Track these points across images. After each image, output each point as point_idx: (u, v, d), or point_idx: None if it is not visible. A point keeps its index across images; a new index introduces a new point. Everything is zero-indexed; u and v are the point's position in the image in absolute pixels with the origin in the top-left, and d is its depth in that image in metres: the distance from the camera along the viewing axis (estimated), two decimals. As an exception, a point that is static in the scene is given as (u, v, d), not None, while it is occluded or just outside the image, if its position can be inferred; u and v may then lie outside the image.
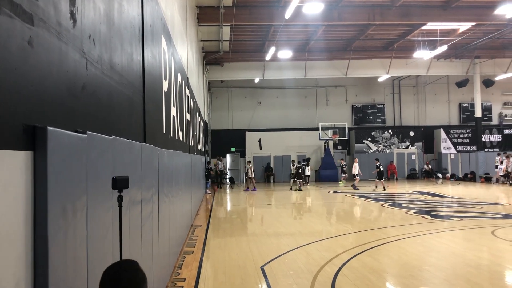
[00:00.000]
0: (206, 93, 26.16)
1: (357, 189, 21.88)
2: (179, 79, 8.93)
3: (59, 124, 2.25)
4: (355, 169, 23.27)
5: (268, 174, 29.90)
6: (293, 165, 24.47)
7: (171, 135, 7.28)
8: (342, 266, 7.05)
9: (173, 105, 7.66)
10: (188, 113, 11.27)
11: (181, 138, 9.00)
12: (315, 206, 17.18)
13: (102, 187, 2.84)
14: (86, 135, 2.62)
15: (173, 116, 7.54)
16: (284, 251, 8.32)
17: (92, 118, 3.03)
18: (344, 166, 27.27)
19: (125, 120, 4.07)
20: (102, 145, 3.02)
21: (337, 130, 28.97)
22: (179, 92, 8.76)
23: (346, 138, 29.42)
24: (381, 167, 22.22)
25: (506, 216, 12.56)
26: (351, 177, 26.49)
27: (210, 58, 23.52)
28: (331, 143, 29.92)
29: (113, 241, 3.06)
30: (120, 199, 2.54)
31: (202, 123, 19.64)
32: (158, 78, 6.11)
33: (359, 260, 7.55)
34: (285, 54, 22.77)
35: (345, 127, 29.13)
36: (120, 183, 2.53)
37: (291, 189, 23.12)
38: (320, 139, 29.11)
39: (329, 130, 29.10)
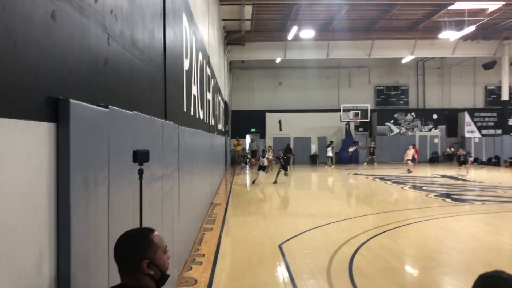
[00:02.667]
0: (227, 73, 26.13)
1: (411, 172, 21.37)
2: (200, 58, 8.94)
3: (82, 98, 2.29)
4: (408, 156, 22.32)
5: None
6: (330, 146, 26.95)
7: (192, 114, 7.33)
8: (360, 246, 7.07)
9: (194, 84, 7.69)
10: (209, 92, 11.31)
11: (201, 117, 9.06)
12: (334, 188, 17.17)
13: (124, 160, 2.90)
14: (108, 109, 2.67)
15: (193, 95, 7.57)
16: (302, 230, 8.37)
17: (114, 94, 3.07)
18: (372, 149, 27.37)
19: (146, 97, 4.12)
20: (123, 120, 3.07)
21: (359, 111, 28.62)
22: (200, 71, 8.78)
23: (368, 120, 29.09)
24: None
25: (529, 201, 12.33)
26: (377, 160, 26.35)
27: (231, 37, 23.41)
28: (352, 125, 29.65)
29: (134, 214, 3.13)
30: (140, 172, 2.59)
31: (222, 103, 19.68)
32: (179, 56, 6.13)
33: (377, 241, 7.55)
34: (308, 33, 22.47)
35: (367, 109, 28.76)
36: (140, 156, 2.58)
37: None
38: (341, 121, 28.85)
39: (351, 111, 28.78)
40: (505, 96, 27.52)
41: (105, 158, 2.62)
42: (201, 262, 6.15)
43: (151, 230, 1.95)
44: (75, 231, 2.13)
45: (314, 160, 29.61)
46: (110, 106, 2.70)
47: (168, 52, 5.07)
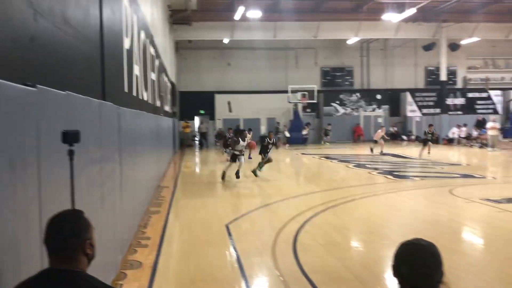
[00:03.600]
0: (174, 53, 25.62)
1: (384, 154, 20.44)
2: (142, 37, 8.70)
3: (4, 76, 2.17)
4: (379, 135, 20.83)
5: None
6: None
7: (134, 95, 7.15)
8: (305, 223, 7.24)
9: (136, 64, 7.49)
10: (154, 72, 11.06)
11: (145, 98, 8.86)
12: (282, 168, 17.42)
13: (57, 142, 2.79)
14: (36, 89, 2.55)
15: (136, 75, 7.38)
16: (249, 210, 8.46)
17: (44, 72, 2.94)
18: (327, 131, 28.24)
19: (81, 76, 3.97)
20: (55, 100, 2.94)
21: (306, 93, 29.03)
22: (142, 51, 8.55)
23: (315, 101, 29.57)
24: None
25: (464, 176, 13.06)
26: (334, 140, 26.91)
27: (177, 17, 22.89)
28: (300, 106, 30.05)
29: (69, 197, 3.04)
30: (71, 153, 2.51)
31: (169, 84, 19.32)
32: (118, 35, 5.93)
33: (322, 217, 7.77)
34: (255, 14, 22.38)
35: (314, 90, 29.21)
36: (70, 137, 2.49)
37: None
38: (289, 102, 29.17)
39: (298, 93, 29.12)
40: (443, 77, 28.79)
41: (33, 140, 2.51)
42: (147, 245, 6.09)
43: (80, 211, 1.89)
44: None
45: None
46: (38, 86, 2.58)
47: (106, 30, 4.88)
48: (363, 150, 23.14)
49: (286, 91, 28.99)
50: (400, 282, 1.77)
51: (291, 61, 31.06)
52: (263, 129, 30.37)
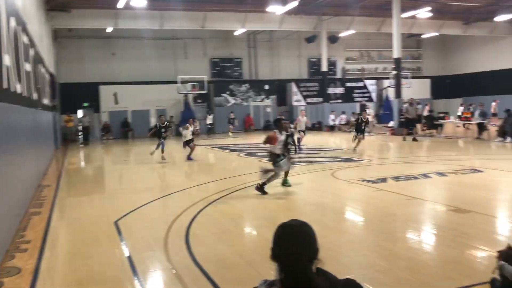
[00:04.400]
0: (52, 42, 23.78)
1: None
2: (12, 24, 7.93)
3: None
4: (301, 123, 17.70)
5: (126, 130, 28.86)
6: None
7: (5, 87, 6.51)
8: (198, 213, 7.25)
9: (6, 53, 6.81)
10: (28, 63, 10.17)
11: (19, 91, 8.12)
12: (175, 160, 17.20)
13: None
14: None
15: (6, 65, 6.72)
16: (140, 205, 8.22)
17: None
18: (232, 120, 27.86)
19: None
20: None
21: (197, 83, 28.90)
22: (13, 39, 7.80)
23: (206, 92, 29.57)
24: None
25: (344, 160, 14.06)
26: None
27: (54, 3, 21.26)
28: (190, 97, 29.85)
29: None
30: None
31: (47, 76, 17.93)
32: (-18, 21, 5.34)
33: (214, 207, 7.84)
34: (139, 2, 21.58)
35: (204, 81, 29.19)
36: None
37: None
38: (179, 93, 28.80)
39: (188, 83, 28.88)
40: (324, 68, 30.62)
41: None
42: (26, 249, 5.63)
43: None
44: None
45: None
46: None
47: (-35, 15, 4.36)
48: (254, 139, 23.72)
49: (175, 82, 28.58)
50: (276, 264, 1.82)
51: (180, 51, 30.64)
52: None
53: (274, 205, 8.17)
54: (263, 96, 32.05)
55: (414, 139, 19.28)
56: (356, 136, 15.92)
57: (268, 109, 31.82)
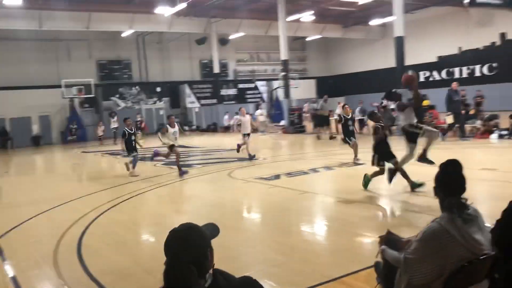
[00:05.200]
0: None
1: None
2: None
3: None
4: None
5: (3, 139, 26.34)
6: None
7: None
8: (90, 224, 6.90)
9: None
10: None
11: None
12: (62, 169, 16.15)
13: None
14: None
15: None
16: (24, 219, 7.59)
17: None
18: (140, 122, 25.48)
19: None
20: None
21: (83, 87, 27.35)
22: None
23: (93, 95, 28.13)
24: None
25: (240, 159, 14.31)
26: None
27: None
28: (77, 101, 28.17)
29: None
30: None
31: None
32: None
33: (107, 216, 7.52)
34: (14, 0, 19.84)
35: (91, 84, 27.74)
36: None
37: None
38: (63, 97, 27.02)
39: (74, 87, 27.21)
40: (216, 69, 30.91)
41: None
42: None
43: None
44: None
45: (37, 142, 27.03)
46: None
47: None
48: (149, 143, 23.09)
49: (59, 86, 26.77)
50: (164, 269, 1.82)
51: (63, 54, 28.77)
52: (36, 128, 27.54)
53: (171, 209, 8.08)
54: (155, 99, 31.39)
55: (332, 137, 16.71)
56: (347, 141, 11.76)
57: (161, 112, 31.23)
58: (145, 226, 7.25)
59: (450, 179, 2.66)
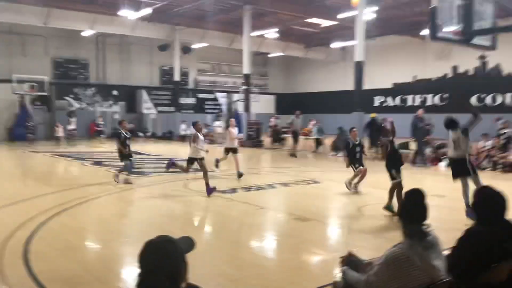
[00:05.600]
0: None
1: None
2: None
3: None
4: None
5: None
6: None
7: None
8: (37, 229, 6.60)
9: None
10: None
11: None
12: (7, 169, 15.39)
13: None
14: None
15: None
16: (-36, 220, 7.17)
17: None
18: (101, 125, 23.88)
19: None
20: None
21: (35, 84, 26.31)
22: None
23: (46, 94, 27.11)
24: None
25: (196, 170, 14.13)
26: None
27: None
28: (28, 98, 27.03)
29: None
30: None
31: None
32: None
33: (57, 221, 7.23)
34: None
35: (45, 82, 26.74)
36: None
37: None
38: (13, 93, 25.86)
39: (26, 83, 26.13)
40: (176, 77, 30.64)
41: None
42: None
43: None
44: None
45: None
46: None
47: None
48: (100, 147, 22.50)
49: (10, 81, 25.64)
50: (137, 281, 1.80)
51: (17, 48, 27.61)
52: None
53: (123, 217, 7.87)
54: (111, 102, 30.68)
55: (293, 154, 18.23)
56: (354, 168, 10.11)
57: (116, 116, 30.46)
58: (96, 232, 7.02)
59: (413, 207, 2.78)
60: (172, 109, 31.76)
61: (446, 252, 3.00)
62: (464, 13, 6.68)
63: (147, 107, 31.81)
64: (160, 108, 32.16)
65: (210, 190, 9.38)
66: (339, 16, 23.16)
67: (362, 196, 9.45)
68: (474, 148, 15.78)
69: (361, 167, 10.00)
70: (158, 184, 11.47)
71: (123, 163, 11.25)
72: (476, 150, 15.26)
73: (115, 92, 30.79)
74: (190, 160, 9.80)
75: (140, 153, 18.41)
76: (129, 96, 31.56)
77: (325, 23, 26.98)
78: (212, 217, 8.23)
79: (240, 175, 12.16)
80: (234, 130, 12.91)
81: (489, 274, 2.77)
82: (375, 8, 20.73)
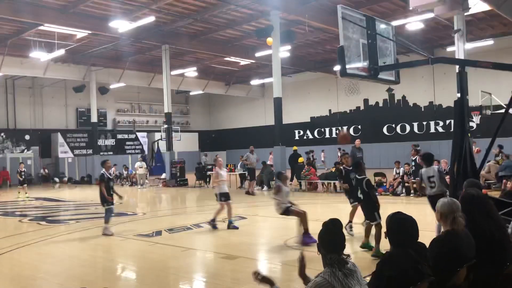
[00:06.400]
0: None
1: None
2: None
3: None
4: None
5: None
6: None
7: None
8: None
9: None
10: None
11: None
12: None
13: None
14: None
15: None
16: None
17: None
18: (23, 173, 19.89)
19: None
20: None
21: None
22: None
23: None
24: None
25: (118, 214, 13.56)
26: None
27: None
28: None
29: None
30: None
31: None
32: None
33: (-40, 282, 6.54)
34: None
35: None
36: None
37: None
38: None
39: None
40: (94, 119, 29.63)
41: None
42: None
43: None
44: None
45: None
46: None
47: None
48: (11, 196, 20.91)
49: None
50: None
51: None
52: None
53: (39, 271, 7.29)
54: (23, 147, 28.87)
55: (250, 193, 17.81)
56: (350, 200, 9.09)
57: (30, 161, 28.70)
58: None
59: (331, 237, 2.89)
60: (90, 151, 30.53)
61: (367, 278, 3.13)
62: (369, 51, 7.20)
63: (63, 151, 30.35)
64: (77, 151, 30.83)
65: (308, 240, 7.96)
66: (257, 54, 23.96)
67: (287, 230, 9.57)
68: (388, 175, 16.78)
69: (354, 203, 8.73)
70: (77, 231, 10.83)
71: (104, 209, 10.05)
72: (392, 177, 16.20)
73: (27, 137, 29.08)
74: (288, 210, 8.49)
75: (56, 200, 17.35)
76: (43, 140, 29.96)
77: (243, 61, 27.74)
78: (136, 263, 7.87)
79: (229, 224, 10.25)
80: (223, 172, 10.98)
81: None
82: (289, 47, 21.74)
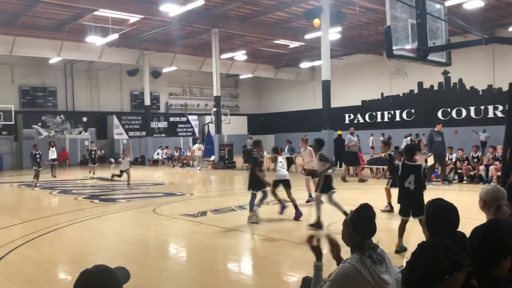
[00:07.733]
0: None
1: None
2: None
3: None
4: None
5: None
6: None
7: None
8: (-4, 263, 6.37)
9: None
10: None
11: None
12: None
13: None
14: None
15: None
16: None
17: None
18: (94, 152, 21.06)
19: None
20: None
21: (1, 113, 25.72)
22: None
23: (13, 123, 26.51)
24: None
25: (167, 194, 14.03)
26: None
27: None
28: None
29: None
30: None
31: None
32: None
33: (18, 253, 6.99)
34: None
35: (11, 110, 26.17)
36: None
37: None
38: (-22, 123, 25.27)
39: (-9, 113, 25.55)
40: (147, 102, 30.44)
41: None
42: None
43: None
44: None
45: None
46: None
47: None
48: (70, 175, 22.03)
49: (-26, 111, 25.02)
50: None
51: (-19, 77, 27.10)
52: None
53: (89, 247, 7.66)
54: (81, 129, 30.22)
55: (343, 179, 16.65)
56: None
57: (87, 142, 30.01)
58: (59, 264, 6.80)
59: (363, 222, 2.81)
60: (143, 133, 31.49)
61: (395, 266, 3.04)
62: (418, 32, 6.89)
63: (118, 133, 31.47)
64: (131, 133, 31.87)
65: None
66: (306, 37, 23.60)
67: (332, 214, 9.47)
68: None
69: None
70: (127, 210, 11.26)
71: (261, 192, 9.29)
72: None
73: (84, 119, 30.38)
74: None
75: (110, 179, 18.07)
76: (99, 122, 31.19)
77: (292, 44, 27.43)
78: (181, 242, 8.08)
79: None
80: (308, 151, 11.61)
81: (442, 286, 2.82)
82: (339, 28, 21.23)
